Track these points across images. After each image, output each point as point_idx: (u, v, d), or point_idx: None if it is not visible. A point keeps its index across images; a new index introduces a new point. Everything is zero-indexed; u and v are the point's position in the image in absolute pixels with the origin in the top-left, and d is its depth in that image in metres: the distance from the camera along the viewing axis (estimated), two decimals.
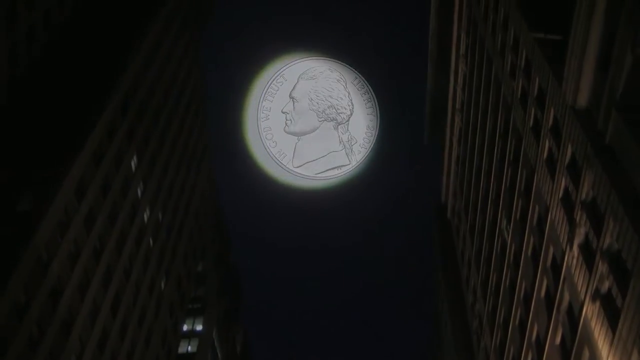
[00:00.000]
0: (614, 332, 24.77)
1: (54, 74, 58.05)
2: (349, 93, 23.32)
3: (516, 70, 41.02)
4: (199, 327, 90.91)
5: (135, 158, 62.08)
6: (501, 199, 47.06)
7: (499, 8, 45.46)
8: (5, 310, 40.80)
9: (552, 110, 33.38)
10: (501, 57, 45.23)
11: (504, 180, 45.79)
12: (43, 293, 44.96)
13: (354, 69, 23.49)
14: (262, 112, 23.21)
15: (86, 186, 51.47)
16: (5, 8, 50.77)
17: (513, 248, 43.98)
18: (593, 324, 27.25)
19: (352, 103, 23.30)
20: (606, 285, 26.12)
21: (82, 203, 50.78)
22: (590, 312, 27.58)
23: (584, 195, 28.64)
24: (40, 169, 48.30)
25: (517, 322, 43.15)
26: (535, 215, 37.70)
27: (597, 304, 26.69)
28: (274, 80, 23.21)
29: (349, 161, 23.43)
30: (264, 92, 23.16)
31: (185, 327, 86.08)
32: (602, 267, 26.30)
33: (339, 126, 23.23)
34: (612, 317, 25.20)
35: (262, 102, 23.18)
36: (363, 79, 23.44)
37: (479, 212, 55.96)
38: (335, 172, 23.58)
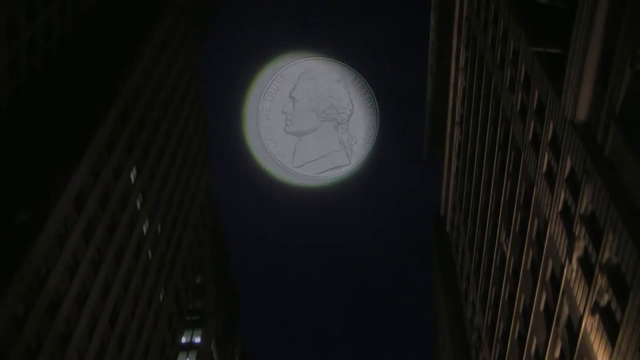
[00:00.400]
0: (613, 346, 24.71)
1: (54, 85, 58.13)
2: (349, 93, 23.24)
3: (515, 83, 41.11)
4: (197, 339, 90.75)
5: (134, 170, 62.09)
6: (500, 212, 47.07)
7: (498, 21, 45.60)
8: (4, 321, 40.70)
9: (551, 123, 33.43)
10: (501, 70, 45.34)
11: (503, 194, 45.80)
12: (41, 304, 44.86)
13: (354, 69, 23.46)
14: (262, 112, 23.15)
15: (85, 198, 51.44)
16: (5, 19, 50.86)
17: (512, 261, 43.94)
18: (592, 337, 27.20)
19: (352, 103, 23.22)
20: (605, 298, 26.09)
21: (81, 215, 50.74)
22: (590, 326, 27.54)
23: (583, 209, 28.64)
24: (39, 180, 48.28)
25: (516, 335, 43.06)
26: (535, 229, 37.69)
27: (597, 317, 26.65)
28: (274, 80, 23.14)
29: (349, 161, 23.33)
30: (264, 92, 23.10)
31: (183, 339, 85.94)
32: (601, 281, 26.28)
33: (339, 126, 23.13)
34: (611, 330, 25.16)
35: (262, 102, 23.13)
36: (363, 79, 23.39)
37: (478, 225, 55.94)
38: (335, 172, 23.49)
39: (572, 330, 30.42)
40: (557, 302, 32.60)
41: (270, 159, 23.31)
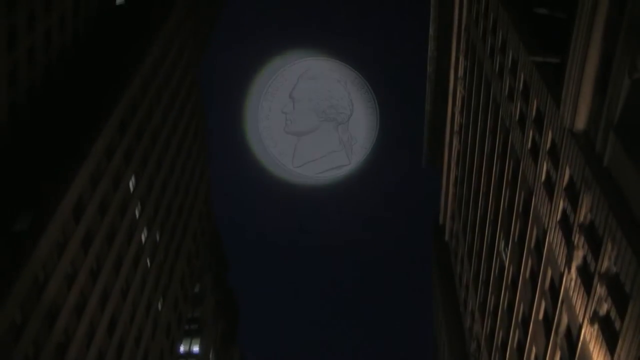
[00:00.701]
0: (612, 355, 24.69)
1: (53, 93, 58.18)
2: (349, 93, 23.19)
3: (514, 92, 41.16)
4: (196, 348, 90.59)
5: (133, 178, 62.06)
6: (499, 221, 47.07)
7: (497, 31, 45.69)
8: (2, 330, 40.62)
9: (550, 132, 33.47)
10: (500, 79, 45.40)
11: (502, 203, 45.80)
12: (39, 313, 44.78)
13: (354, 69, 23.45)
14: (262, 112, 23.12)
15: (84, 206, 51.41)
16: (5, 28, 50.94)
17: (511, 270, 43.91)
18: (591, 346, 27.17)
19: (352, 103, 23.15)
20: (604, 307, 26.08)
21: (80, 223, 50.69)
22: (589, 335, 27.51)
23: (582, 218, 28.65)
24: (38, 188, 48.26)
25: (515, 344, 43.01)
26: (534, 237, 37.69)
27: (596, 326, 26.63)
28: (274, 80, 23.12)
29: (349, 161, 23.28)
30: (264, 92, 23.08)
31: (182, 348, 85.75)
32: (600, 290, 26.27)
33: (339, 126, 23.07)
34: (610, 339, 25.14)
35: (262, 102, 23.11)
36: (363, 79, 23.37)
37: (477, 233, 55.93)
38: (336, 172, 23.46)
39: (571, 339, 30.39)
40: (556, 311, 32.58)
41: (271, 159, 23.33)
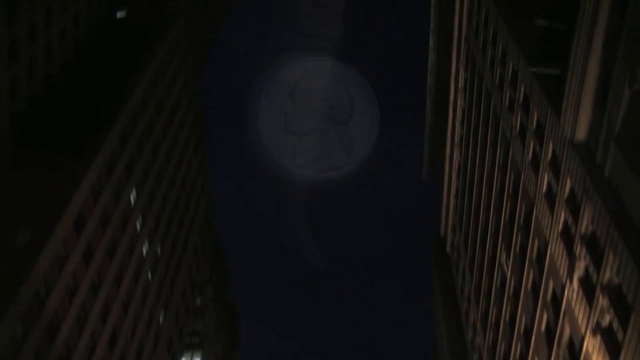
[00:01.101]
0: None
1: (54, 106, 58.27)
2: (349, 93, 23.15)
3: (515, 104, 41.22)
4: None
5: (134, 191, 62.06)
6: (500, 233, 47.03)
7: (497, 42, 45.79)
8: (3, 342, 40.52)
9: (550, 144, 33.50)
10: (500, 91, 45.47)
11: (503, 214, 45.78)
12: (41, 326, 44.69)
13: (354, 70, 23.42)
14: (262, 112, 23.07)
15: (85, 219, 51.39)
16: (6, 41, 51.10)
17: (513, 282, 43.85)
18: (594, 358, 27.11)
19: (352, 103, 23.12)
20: (607, 319, 26.03)
21: (81, 236, 50.65)
22: (591, 346, 27.45)
23: (583, 229, 28.64)
24: (39, 201, 48.24)
25: (517, 356, 42.90)
26: (535, 249, 37.65)
27: (598, 338, 26.57)
28: (274, 80, 23.08)
29: (349, 161, 23.23)
30: (264, 92, 23.05)
31: None
32: (602, 301, 26.23)
33: (339, 126, 23.02)
34: (613, 351, 25.08)
35: (262, 102, 23.07)
36: (364, 79, 23.34)
37: (478, 246, 55.88)
38: (336, 172, 23.37)
39: (574, 350, 30.32)
40: (558, 323, 32.52)
41: (271, 158, 23.29)
